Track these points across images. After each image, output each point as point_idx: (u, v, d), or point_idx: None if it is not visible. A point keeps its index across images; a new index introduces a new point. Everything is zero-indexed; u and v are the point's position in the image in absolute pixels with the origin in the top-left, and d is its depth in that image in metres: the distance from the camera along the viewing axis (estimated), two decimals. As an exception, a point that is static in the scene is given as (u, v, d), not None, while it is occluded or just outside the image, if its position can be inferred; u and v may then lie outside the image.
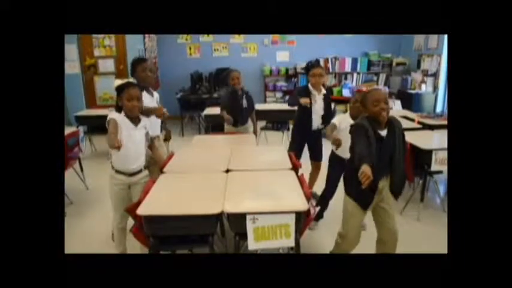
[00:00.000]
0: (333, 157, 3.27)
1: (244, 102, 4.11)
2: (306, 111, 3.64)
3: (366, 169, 1.98)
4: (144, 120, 2.60)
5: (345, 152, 3.02)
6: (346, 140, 2.94)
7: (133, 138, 2.50)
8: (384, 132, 2.26)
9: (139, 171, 2.62)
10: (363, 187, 1.99)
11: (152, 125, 2.92)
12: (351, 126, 2.35)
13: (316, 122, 3.70)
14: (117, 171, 2.55)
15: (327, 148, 3.42)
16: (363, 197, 2.34)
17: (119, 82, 2.48)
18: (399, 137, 2.29)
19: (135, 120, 2.53)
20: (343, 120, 3.08)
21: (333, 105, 4.02)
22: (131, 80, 2.55)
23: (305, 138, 3.80)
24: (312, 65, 3.68)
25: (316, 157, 3.80)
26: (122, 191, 2.60)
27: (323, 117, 3.68)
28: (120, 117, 2.44)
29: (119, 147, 2.17)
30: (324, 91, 3.67)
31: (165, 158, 3.10)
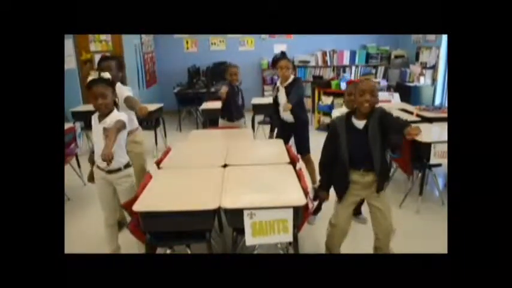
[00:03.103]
0: None
1: (240, 99, 4.15)
2: (275, 103, 3.80)
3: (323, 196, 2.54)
4: (111, 117, 2.43)
5: None
6: None
7: (98, 135, 2.44)
8: (361, 123, 2.26)
9: (118, 170, 2.51)
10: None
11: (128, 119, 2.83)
12: (330, 123, 2.38)
13: (285, 114, 3.67)
14: (97, 166, 2.56)
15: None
16: (338, 188, 2.44)
17: (91, 77, 2.43)
18: (375, 128, 2.22)
19: (101, 117, 2.47)
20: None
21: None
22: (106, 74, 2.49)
23: (281, 129, 3.81)
24: (277, 58, 3.67)
25: (299, 149, 3.73)
26: (104, 186, 2.56)
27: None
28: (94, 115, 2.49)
29: None
30: (288, 82, 3.62)
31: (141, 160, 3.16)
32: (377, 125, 2.23)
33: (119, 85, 2.94)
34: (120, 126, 2.39)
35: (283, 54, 3.65)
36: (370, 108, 2.21)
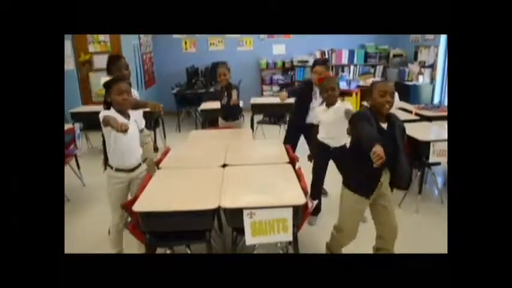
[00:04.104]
0: (319, 145, 3.25)
1: (226, 100, 3.96)
2: (304, 105, 3.67)
3: (378, 149, 1.91)
4: (133, 115, 2.58)
5: (331, 141, 3.13)
6: (333, 129, 3.06)
7: (129, 133, 2.43)
8: (384, 125, 2.24)
9: (139, 166, 2.59)
10: (375, 166, 1.91)
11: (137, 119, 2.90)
12: (354, 115, 2.31)
13: (312, 117, 3.64)
14: (117, 170, 2.50)
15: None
16: (364, 185, 2.31)
17: (106, 78, 2.45)
18: (399, 133, 2.25)
19: (126, 115, 2.49)
20: (322, 113, 3.13)
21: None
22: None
23: (300, 131, 3.80)
24: (315, 62, 3.70)
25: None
26: (122, 190, 2.55)
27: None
28: (111, 114, 2.38)
29: (126, 130, 2.13)
30: None
31: (151, 154, 3.11)
32: (402, 130, 2.28)
33: None
34: None
35: (323, 61, 3.74)
36: (389, 109, 2.22)
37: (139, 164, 2.61)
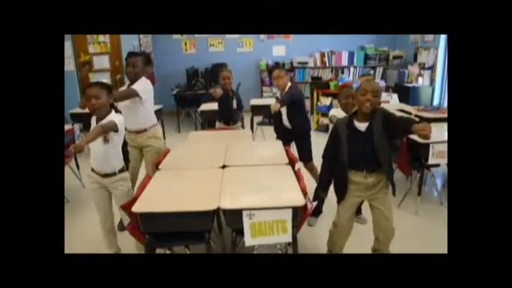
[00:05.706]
0: None
1: (234, 103, 4.11)
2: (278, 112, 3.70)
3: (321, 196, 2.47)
4: (108, 119, 2.39)
5: None
6: None
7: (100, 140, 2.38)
8: (363, 125, 2.24)
9: (113, 174, 2.50)
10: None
11: (141, 117, 2.99)
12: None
13: (286, 121, 3.71)
14: (92, 170, 2.56)
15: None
16: (337, 189, 2.47)
17: (106, 80, 2.47)
18: (379, 129, 2.20)
19: (99, 119, 2.43)
20: (339, 114, 3.10)
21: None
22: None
23: (283, 136, 3.72)
24: (269, 69, 3.75)
25: (301, 158, 3.63)
26: (99, 190, 2.56)
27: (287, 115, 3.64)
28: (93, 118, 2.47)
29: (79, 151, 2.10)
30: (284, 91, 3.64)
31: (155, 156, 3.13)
32: (381, 126, 2.20)
33: (143, 79, 3.13)
34: (110, 126, 2.33)
35: (275, 65, 3.73)
36: (371, 108, 2.18)
37: (114, 173, 2.50)
